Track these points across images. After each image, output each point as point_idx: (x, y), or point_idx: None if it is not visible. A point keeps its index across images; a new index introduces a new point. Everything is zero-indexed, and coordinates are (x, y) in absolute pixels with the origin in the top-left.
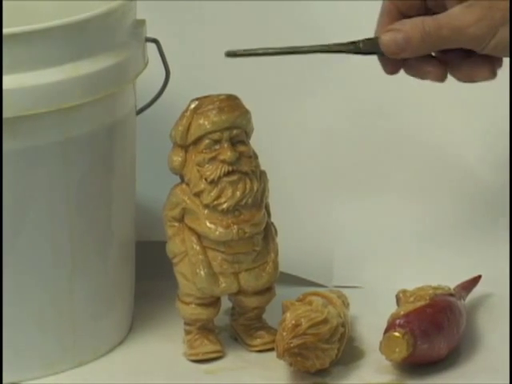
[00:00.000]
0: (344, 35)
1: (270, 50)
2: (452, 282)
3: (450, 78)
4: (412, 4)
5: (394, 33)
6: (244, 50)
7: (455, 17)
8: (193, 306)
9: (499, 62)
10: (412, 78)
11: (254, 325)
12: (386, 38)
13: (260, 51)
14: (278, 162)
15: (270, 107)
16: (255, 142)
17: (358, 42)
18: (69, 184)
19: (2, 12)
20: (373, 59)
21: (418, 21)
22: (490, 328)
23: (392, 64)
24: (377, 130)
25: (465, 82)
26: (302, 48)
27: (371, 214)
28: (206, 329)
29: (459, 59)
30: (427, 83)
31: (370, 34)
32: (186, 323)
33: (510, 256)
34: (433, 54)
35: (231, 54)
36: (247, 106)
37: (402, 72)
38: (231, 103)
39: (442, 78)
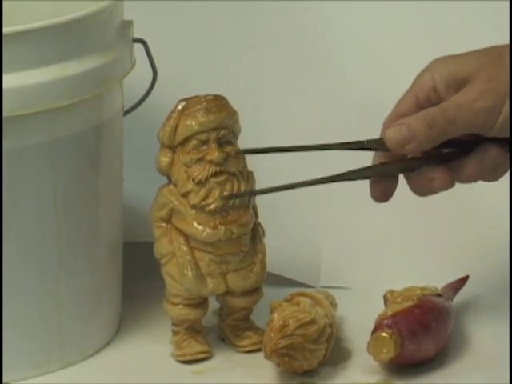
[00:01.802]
0: (342, 35)
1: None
2: (439, 283)
3: None
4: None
5: (398, 126)
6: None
7: (459, 97)
8: (180, 306)
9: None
10: (404, 79)
11: (242, 325)
12: (389, 133)
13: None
14: (265, 163)
15: (257, 108)
16: (243, 143)
17: (363, 141)
18: (56, 184)
19: (2, 12)
20: (361, 53)
21: (420, 113)
22: (478, 328)
23: (383, 189)
24: (366, 129)
25: (472, 181)
26: (309, 147)
27: (359, 214)
28: (194, 329)
29: (463, 158)
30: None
31: (370, 34)
32: (173, 324)
33: (510, 256)
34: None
35: (246, 152)
36: (234, 106)
37: (393, 71)
38: (218, 104)
39: (449, 184)
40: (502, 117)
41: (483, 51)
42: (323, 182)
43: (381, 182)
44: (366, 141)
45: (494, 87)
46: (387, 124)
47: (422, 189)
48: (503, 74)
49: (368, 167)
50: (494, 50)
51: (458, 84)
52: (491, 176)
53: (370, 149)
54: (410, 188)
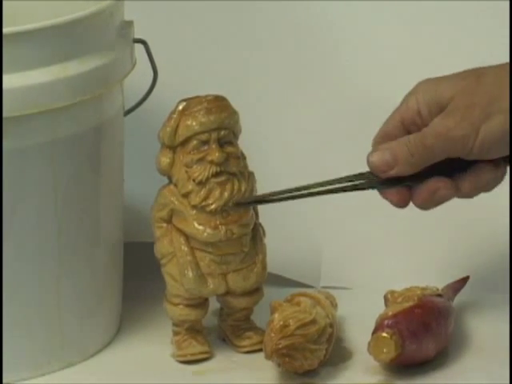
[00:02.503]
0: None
1: (277, 197)
2: (440, 283)
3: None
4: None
5: (381, 152)
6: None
7: (437, 124)
8: (181, 306)
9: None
10: (406, 79)
11: (242, 326)
12: (373, 159)
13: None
14: (266, 163)
15: (257, 108)
16: (243, 143)
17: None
18: (56, 185)
19: (2, 12)
20: (361, 53)
21: (403, 138)
22: (478, 328)
23: (398, 193)
24: (366, 130)
25: (471, 195)
26: (310, 187)
27: (359, 215)
28: (194, 330)
29: (460, 175)
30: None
31: (371, 34)
32: (174, 324)
33: (510, 256)
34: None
35: (239, 204)
36: (235, 106)
37: (395, 71)
38: (219, 104)
39: (453, 193)
40: (477, 142)
41: (462, 75)
42: (331, 192)
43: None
44: (359, 174)
45: (468, 115)
46: (373, 146)
47: (426, 201)
48: (479, 99)
49: (374, 178)
50: (474, 72)
51: (440, 109)
52: (486, 189)
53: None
54: (414, 202)
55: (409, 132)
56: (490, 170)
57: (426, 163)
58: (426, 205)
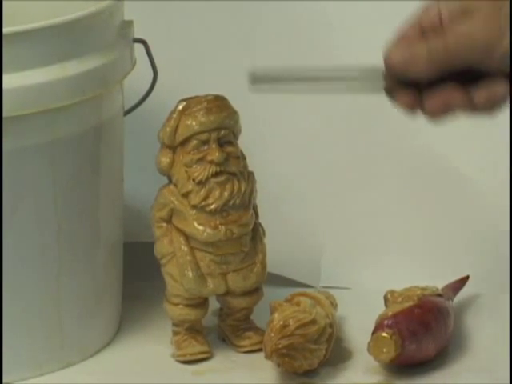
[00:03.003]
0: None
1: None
2: (440, 283)
3: None
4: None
5: (400, 49)
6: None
7: (461, 28)
8: (181, 306)
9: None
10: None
11: (242, 325)
12: (392, 56)
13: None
14: (265, 163)
15: (258, 108)
16: (243, 143)
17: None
18: (56, 185)
19: (2, 12)
20: (362, 53)
21: (423, 40)
22: (478, 328)
23: (407, 95)
24: (366, 130)
25: (485, 107)
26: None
27: (359, 214)
28: (194, 330)
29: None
30: None
31: (371, 34)
32: (173, 324)
33: (510, 256)
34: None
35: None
36: (235, 106)
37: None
38: (219, 104)
39: (468, 103)
40: (501, 50)
41: None
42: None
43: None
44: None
45: (495, 20)
46: (398, 36)
47: (437, 109)
48: (504, 9)
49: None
50: None
51: (463, 14)
52: (497, 105)
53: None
54: (425, 110)
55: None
56: (503, 84)
57: (445, 68)
58: (436, 114)
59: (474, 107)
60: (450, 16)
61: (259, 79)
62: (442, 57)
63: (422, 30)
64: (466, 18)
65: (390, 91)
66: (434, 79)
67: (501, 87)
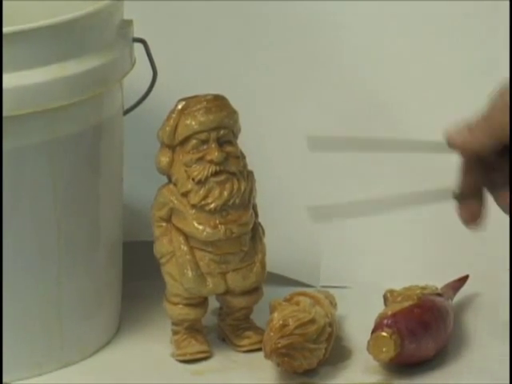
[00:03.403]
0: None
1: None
2: (439, 282)
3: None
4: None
5: (457, 127)
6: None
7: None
8: (180, 306)
9: None
10: (407, 79)
11: (242, 325)
12: (450, 130)
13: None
14: (265, 163)
15: (257, 107)
16: (242, 142)
17: None
18: (56, 184)
19: (2, 12)
20: (362, 53)
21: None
22: (478, 328)
23: (472, 211)
24: (366, 130)
25: None
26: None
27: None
28: (194, 329)
29: None
30: (420, 84)
31: (372, 34)
32: (173, 323)
33: (510, 256)
34: None
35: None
36: (234, 106)
37: (396, 71)
38: (218, 103)
39: None
40: None
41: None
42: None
43: (466, 202)
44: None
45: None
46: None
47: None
48: None
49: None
50: None
51: None
52: None
53: None
54: (498, 204)
55: None
56: None
57: (500, 139)
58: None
59: None
60: None
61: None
62: (492, 127)
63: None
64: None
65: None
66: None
67: None
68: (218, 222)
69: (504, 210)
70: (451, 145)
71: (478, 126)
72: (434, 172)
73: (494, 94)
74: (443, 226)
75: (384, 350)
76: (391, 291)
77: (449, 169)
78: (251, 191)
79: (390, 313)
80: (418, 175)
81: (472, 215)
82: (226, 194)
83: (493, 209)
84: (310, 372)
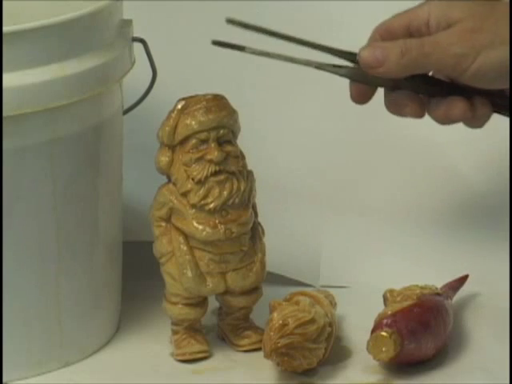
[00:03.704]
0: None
1: (268, 31)
2: (439, 282)
3: None
4: (397, 38)
5: (372, 48)
6: (243, 22)
7: (438, 36)
8: (180, 305)
9: (479, 102)
10: None
11: (242, 325)
12: (364, 53)
13: (258, 28)
14: (265, 162)
15: (257, 107)
16: (242, 142)
17: (347, 52)
18: (55, 184)
19: (2, 12)
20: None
21: (399, 40)
22: (477, 327)
23: (362, 92)
24: (366, 129)
25: (441, 122)
26: (296, 39)
27: (358, 213)
28: (193, 329)
29: (436, 99)
30: None
31: (368, 33)
32: (173, 323)
33: (510, 255)
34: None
35: (230, 21)
36: (234, 105)
37: None
38: (218, 103)
39: (420, 114)
40: (473, 67)
41: (479, 1)
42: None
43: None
44: (346, 52)
45: (473, 38)
46: (371, 36)
47: (394, 110)
48: (487, 26)
49: (353, 68)
50: (489, 1)
51: (447, 25)
52: (472, 123)
53: (350, 61)
54: (385, 104)
55: (411, 37)
56: (462, 107)
57: (415, 69)
58: (392, 112)
59: (432, 118)
60: (436, 24)
61: (235, 22)
62: (414, 57)
63: (409, 29)
64: (448, 30)
65: (353, 79)
66: (401, 83)
67: (458, 106)
68: (217, 221)
69: (389, 111)
70: (366, 69)
71: (405, 56)
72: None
73: (440, 16)
74: (443, 225)
75: (384, 349)
76: (391, 291)
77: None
78: (251, 191)
79: (389, 312)
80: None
81: (361, 95)
82: (225, 193)
83: (493, 209)
84: (309, 372)
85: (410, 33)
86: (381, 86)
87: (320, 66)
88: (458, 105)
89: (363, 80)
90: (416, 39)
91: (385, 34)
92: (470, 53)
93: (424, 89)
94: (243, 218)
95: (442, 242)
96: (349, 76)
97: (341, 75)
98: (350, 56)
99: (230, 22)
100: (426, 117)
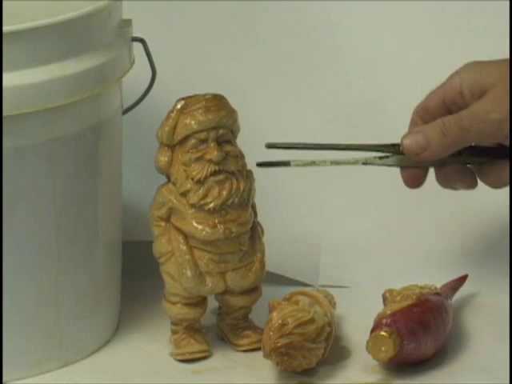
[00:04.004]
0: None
1: (309, 145)
2: (438, 282)
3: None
4: (436, 115)
5: (414, 134)
6: (283, 144)
7: (474, 107)
8: (179, 305)
9: None
10: (402, 79)
11: (241, 324)
12: (407, 141)
13: (300, 145)
14: None
15: (256, 106)
16: (242, 142)
17: (387, 145)
18: (55, 184)
19: (2, 12)
20: (361, 53)
21: (437, 120)
22: (477, 327)
23: (414, 177)
24: (365, 130)
25: (496, 187)
26: (339, 145)
27: (358, 213)
28: (193, 328)
29: (486, 166)
30: (418, 81)
31: (371, 33)
32: (172, 323)
33: (509, 255)
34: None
35: (271, 146)
36: (234, 105)
37: (394, 70)
38: (217, 103)
39: (472, 185)
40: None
41: (507, 62)
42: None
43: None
44: (388, 145)
45: (508, 100)
46: (412, 119)
47: (446, 185)
48: None
49: (399, 156)
50: None
51: (482, 92)
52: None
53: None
54: (436, 180)
55: (449, 110)
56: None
57: (459, 145)
58: (444, 186)
59: (487, 184)
60: (470, 92)
61: (274, 145)
62: (455, 134)
63: (445, 103)
64: (482, 98)
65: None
66: (447, 159)
67: (508, 168)
68: (217, 221)
69: (441, 186)
70: (410, 155)
71: (447, 135)
72: None
73: (473, 92)
74: (443, 225)
75: (383, 349)
76: (390, 291)
77: None
78: (250, 190)
79: (389, 312)
80: None
81: (413, 179)
82: (225, 193)
83: (492, 209)
84: (309, 371)
85: (447, 106)
86: (430, 166)
87: (367, 162)
88: (507, 167)
89: (412, 165)
90: (453, 116)
91: (423, 114)
92: (506, 116)
93: (471, 160)
94: (243, 217)
95: (442, 241)
96: (397, 164)
97: (390, 165)
98: (394, 148)
99: (271, 146)
100: None
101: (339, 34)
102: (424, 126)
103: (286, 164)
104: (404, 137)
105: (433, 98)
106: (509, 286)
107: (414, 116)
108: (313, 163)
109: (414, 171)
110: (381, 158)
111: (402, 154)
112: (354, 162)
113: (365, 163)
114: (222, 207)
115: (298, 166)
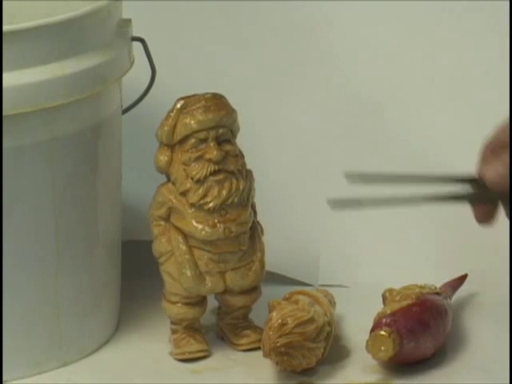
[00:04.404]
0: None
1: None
2: (438, 281)
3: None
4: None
5: (492, 163)
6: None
7: None
8: (179, 305)
9: None
10: (402, 79)
11: (241, 324)
12: (488, 172)
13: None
14: (264, 161)
15: (256, 106)
16: (241, 141)
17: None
18: (54, 183)
19: (2, 12)
20: (360, 53)
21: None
22: (476, 327)
23: (487, 213)
24: (364, 129)
25: None
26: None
27: (357, 213)
28: (193, 328)
29: None
30: (418, 81)
31: (370, 33)
32: (172, 322)
33: (509, 255)
34: None
35: (349, 177)
36: (233, 105)
37: (392, 70)
38: (217, 102)
39: None
40: None
41: None
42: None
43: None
44: (466, 179)
45: None
46: (484, 155)
47: None
48: None
49: (473, 192)
50: None
51: None
52: None
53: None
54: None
55: None
56: None
57: None
58: None
59: None
60: None
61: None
62: None
63: (501, 144)
64: None
65: (475, 202)
66: None
67: None
68: (216, 221)
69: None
70: (490, 186)
71: None
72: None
73: None
74: (442, 225)
75: (383, 349)
76: (390, 290)
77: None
78: (250, 190)
79: (388, 312)
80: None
81: (485, 215)
82: (224, 192)
83: None
84: (308, 371)
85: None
86: (502, 199)
87: (440, 200)
88: None
89: (485, 199)
90: None
91: (495, 149)
92: None
93: None
94: (242, 217)
95: (442, 241)
96: (471, 200)
97: (463, 203)
98: (469, 181)
99: (349, 177)
100: (426, 114)
101: (339, 34)
102: (499, 155)
103: (358, 203)
104: (483, 168)
105: (502, 132)
106: (509, 286)
107: (485, 153)
108: (385, 202)
109: (486, 207)
110: (454, 196)
111: (481, 188)
112: (426, 201)
113: (438, 201)
114: (222, 207)
115: (370, 205)
